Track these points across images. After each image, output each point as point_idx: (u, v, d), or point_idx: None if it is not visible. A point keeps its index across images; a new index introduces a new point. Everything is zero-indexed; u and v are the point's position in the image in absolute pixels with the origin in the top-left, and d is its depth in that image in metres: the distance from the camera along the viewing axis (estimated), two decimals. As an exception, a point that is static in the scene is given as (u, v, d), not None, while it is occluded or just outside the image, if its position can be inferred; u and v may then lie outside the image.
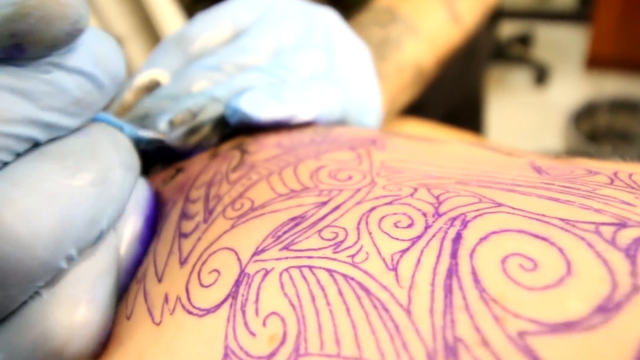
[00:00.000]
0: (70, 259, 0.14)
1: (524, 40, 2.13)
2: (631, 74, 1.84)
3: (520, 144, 1.22)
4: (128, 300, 0.17)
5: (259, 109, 0.22)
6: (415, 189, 0.16)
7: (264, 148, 0.21)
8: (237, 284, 0.14)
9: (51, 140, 0.15)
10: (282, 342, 0.12)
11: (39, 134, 0.14)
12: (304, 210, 0.16)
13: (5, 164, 0.13)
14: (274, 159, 0.19)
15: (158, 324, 0.15)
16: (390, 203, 0.15)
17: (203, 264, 0.16)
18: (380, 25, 0.38)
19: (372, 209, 0.15)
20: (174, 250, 0.17)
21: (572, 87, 1.89)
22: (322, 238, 0.14)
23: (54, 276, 0.14)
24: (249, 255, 0.15)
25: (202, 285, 0.15)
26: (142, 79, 0.24)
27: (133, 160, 0.17)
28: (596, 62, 1.91)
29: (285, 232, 0.15)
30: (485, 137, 0.80)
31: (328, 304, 0.13)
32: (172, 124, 0.22)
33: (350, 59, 0.29)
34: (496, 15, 1.96)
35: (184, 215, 0.19)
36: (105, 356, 0.16)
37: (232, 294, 0.14)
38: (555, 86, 1.93)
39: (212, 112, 0.22)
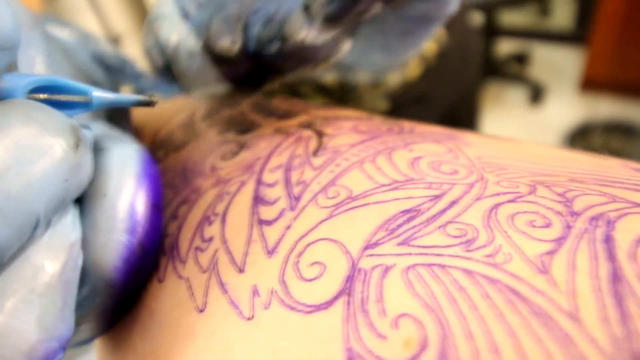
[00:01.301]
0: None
1: (521, 59, 2.15)
2: (625, 97, 1.87)
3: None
4: (193, 289, 0.15)
5: None
6: (533, 187, 0.14)
7: (342, 131, 0.19)
8: (351, 279, 0.13)
9: None
10: (423, 348, 0.11)
11: None
12: (415, 203, 0.14)
13: None
14: (359, 144, 0.18)
15: (249, 319, 0.13)
16: (513, 200, 0.14)
17: (300, 255, 0.14)
18: None
19: (496, 205, 0.14)
20: (255, 238, 0.15)
21: (567, 108, 1.92)
22: (447, 235, 0.13)
23: None
24: (360, 249, 0.13)
25: (302, 278, 0.13)
26: None
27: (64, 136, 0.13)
28: (591, 83, 1.94)
29: (399, 226, 0.14)
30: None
31: (474, 307, 0.11)
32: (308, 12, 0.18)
33: None
34: (494, 33, 1.98)
35: (260, 200, 0.17)
36: (174, 350, 0.14)
37: (346, 291, 0.12)
38: (550, 105, 1.95)
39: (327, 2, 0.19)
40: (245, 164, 0.19)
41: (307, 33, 0.18)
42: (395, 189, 0.15)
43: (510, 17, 2.32)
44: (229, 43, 0.19)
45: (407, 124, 0.20)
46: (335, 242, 0.14)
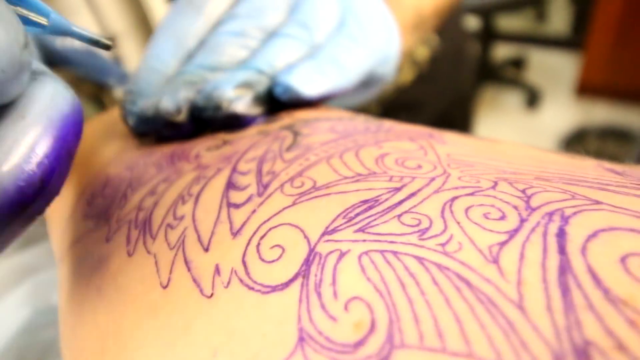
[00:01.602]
0: None
1: (517, 64, 2.16)
2: (620, 102, 1.88)
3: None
4: (159, 266, 0.16)
5: (310, 87, 0.23)
6: (495, 182, 0.15)
7: (318, 131, 0.20)
8: (307, 262, 0.13)
9: None
10: (371, 331, 0.11)
11: None
12: (375, 194, 0.15)
13: None
14: (331, 142, 0.18)
15: (209, 297, 0.14)
16: (472, 194, 0.14)
17: (262, 237, 0.14)
18: None
19: (454, 198, 0.14)
20: (222, 220, 0.16)
21: (563, 112, 1.92)
22: (403, 223, 0.13)
23: None
24: (319, 234, 0.14)
25: (263, 260, 0.14)
26: None
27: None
28: (587, 89, 1.95)
29: (357, 215, 0.14)
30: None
31: (422, 292, 0.11)
32: (237, 93, 0.22)
33: (363, 2, 0.28)
34: (491, 37, 1.99)
35: (232, 185, 0.17)
36: (136, 325, 0.15)
37: (302, 273, 0.13)
38: (546, 110, 1.96)
39: (264, 83, 0.23)
40: (224, 155, 0.20)
41: (238, 106, 0.22)
42: (357, 181, 0.15)
43: (508, 22, 2.33)
44: (175, 111, 0.23)
45: (387, 123, 0.21)
46: (296, 227, 0.14)
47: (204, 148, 0.21)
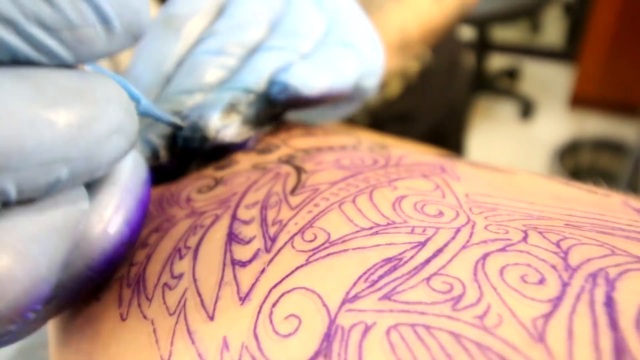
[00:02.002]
0: (2, 194, 0.11)
1: (512, 74, 2.17)
2: (614, 115, 1.89)
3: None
4: (158, 335, 0.14)
5: (308, 85, 0.21)
6: (525, 233, 0.13)
7: (323, 167, 0.18)
8: (328, 338, 0.12)
9: (32, 65, 0.12)
10: None
11: (17, 44, 0.11)
12: (398, 251, 0.13)
13: None
14: (340, 182, 0.17)
15: None
16: (503, 250, 0.13)
17: (274, 305, 0.13)
18: None
19: (485, 255, 0.13)
20: (228, 281, 0.14)
21: (556, 123, 1.93)
22: (432, 289, 0.12)
23: None
24: (339, 302, 0.12)
25: (277, 333, 0.12)
26: None
27: (131, 127, 0.14)
28: (580, 100, 1.95)
29: (381, 277, 0.12)
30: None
31: None
32: (222, 120, 0.21)
33: (343, 11, 0.27)
34: (486, 48, 1.99)
35: (234, 237, 0.16)
36: None
37: (324, 352, 0.11)
38: (539, 121, 1.96)
39: (254, 100, 0.21)
40: (220, 198, 0.18)
41: (227, 135, 0.21)
42: (376, 233, 0.14)
43: (502, 33, 2.34)
44: (152, 158, 0.21)
45: (395, 154, 0.19)
46: (312, 292, 0.13)
47: (195, 190, 0.20)
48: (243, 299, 0.13)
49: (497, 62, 2.24)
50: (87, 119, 0.12)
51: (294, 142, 0.22)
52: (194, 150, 0.21)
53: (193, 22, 0.23)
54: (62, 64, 0.12)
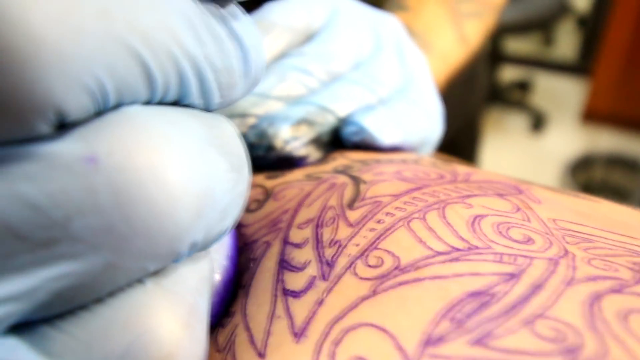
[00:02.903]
0: (192, 247, 0.11)
1: (524, 86, 2.15)
2: (627, 131, 1.86)
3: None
4: None
5: (385, 133, 0.21)
6: (638, 272, 0.11)
7: (383, 178, 0.16)
8: None
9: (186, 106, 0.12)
10: None
11: (191, 78, 0.11)
12: (485, 283, 0.11)
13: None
14: (405, 194, 0.15)
15: None
16: (619, 291, 0.11)
17: (337, 344, 0.11)
18: None
19: (597, 296, 0.10)
20: (279, 314, 0.12)
21: (568, 138, 1.90)
22: (539, 336, 0.10)
23: (165, 266, 0.11)
24: (417, 345, 0.10)
25: None
26: None
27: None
28: (593, 115, 1.93)
29: (469, 316, 0.10)
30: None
31: None
32: (292, 132, 0.20)
33: (421, 75, 0.27)
34: (498, 59, 1.97)
35: (286, 265, 0.13)
36: None
37: None
38: (551, 134, 1.93)
39: (328, 123, 0.21)
40: (271, 218, 0.16)
41: (294, 145, 0.20)
42: (456, 260, 0.12)
43: (515, 45, 2.32)
44: None
45: (462, 170, 0.17)
46: (383, 330, 0.11)
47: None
48: (298, 335, 0.11)
49: (509, 73, 2.22)
50: (239, 164, 0.12)
51: (350, 154, 0.20)
52: (255, 159, 0.21)
53: (284, 35, 0.24)
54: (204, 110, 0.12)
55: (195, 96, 0.11)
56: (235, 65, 0.12)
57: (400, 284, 0.11)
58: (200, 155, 0.10)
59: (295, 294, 0.12)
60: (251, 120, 0.20)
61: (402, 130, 0.22)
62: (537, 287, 0.11)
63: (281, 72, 0.22)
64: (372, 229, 0.13)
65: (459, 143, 0.70)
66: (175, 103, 0.11)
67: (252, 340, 0.12)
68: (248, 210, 0.17)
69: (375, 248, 0.13)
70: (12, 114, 0.08)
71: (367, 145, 0.21)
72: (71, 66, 0.08)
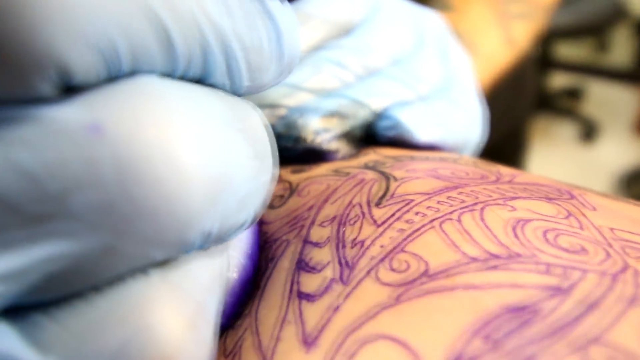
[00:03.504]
0: (205, 238, 0.10)
1: (574, 94, 2.06)
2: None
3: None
4: None
5: (422, 129, 0.20)
6: None
7: (417, 175, 0.15)
8: None
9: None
10: None
11: (218, 58, 0.10)
12: (525, 297, 0.09)
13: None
14: (439, 194, 0.13)
15: None
16: None
17: (350, 357, 0.09)
18: None
19: None
20: (290, 319, 0.11)
21: (620, 148, 1.81)
22: None
23: (172, 256, 0.10)
24: None
25: None
26: None
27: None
28: (649, 126, 1.83)
29: (507, 335, 0.09)
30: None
31: None
32: (322, 124, 0.19)
33: (463, 75, 0.26)
34: (547, 64, 1.91)
35: (303, 264, 0.12)
36: None
37: None
38: (602, 145, 1.85)
39: (361, 117, 0.20)
40: (293, 216, 0.15)
41: (324, 140, 0.19)
42: (494, 268, 0.10)
43: (566, 50, 2.24)
44: None
45: (506, 171, 0.16)
46: (403, 345, 0.09)
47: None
48: (309, 344, 0.10)
49: (558, 80, 2.14)
50: (263, 153, 0.11)
51: (383, 150, 0.19)
52: (283, 150, 0.20)
53: (321, 27, 0.23)
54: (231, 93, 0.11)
55: (221, 75, 0.10)
56: (267, 47, 0.11)
57: (428, 292, 0.10)
58: (219, 136, 0.10)
59: (310, 298, 0.11)
60: (281, 112, 0.20)
61: (441, 128, 0.21)
62: (591, 306, 0.09)
63: (316, 64, 0.21)
64: (400, 230, 0.12)
65: (504, 151, 0.68)
66: (199, 82, 0.10)
67: (259, 346, 0.11)
68: (271, 206, 0.16)
69: (402, 251, 0.11)
70: (9, 67, 0.07)
71: (402, 142, 0.20)
72: (77, 17, 0.08)
